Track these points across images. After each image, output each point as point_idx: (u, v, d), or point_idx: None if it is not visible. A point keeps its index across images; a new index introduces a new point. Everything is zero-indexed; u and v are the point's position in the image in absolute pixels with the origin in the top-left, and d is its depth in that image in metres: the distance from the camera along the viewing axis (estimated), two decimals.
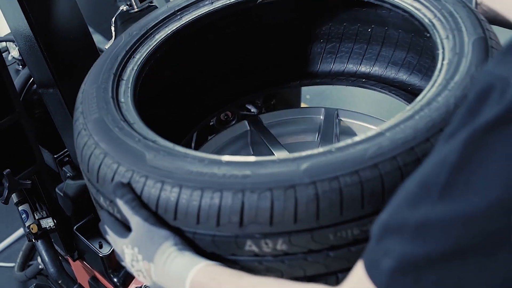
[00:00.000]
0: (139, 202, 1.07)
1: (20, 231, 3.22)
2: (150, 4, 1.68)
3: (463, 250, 0.74)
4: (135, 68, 1.34)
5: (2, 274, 3.15)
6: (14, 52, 2.01)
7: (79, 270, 2.12)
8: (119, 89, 1.28)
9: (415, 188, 0.78)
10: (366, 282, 0.83)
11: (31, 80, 1.98)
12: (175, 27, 1.44)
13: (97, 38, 3.95)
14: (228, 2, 1.49)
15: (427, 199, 0.76)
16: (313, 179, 0.97)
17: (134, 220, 1.07)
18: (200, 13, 1.47)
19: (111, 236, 1.13)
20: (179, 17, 1.46)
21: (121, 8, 1.66)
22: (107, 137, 1.14)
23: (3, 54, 1.96)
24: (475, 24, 1.20)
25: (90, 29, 1.72)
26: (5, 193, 1.67)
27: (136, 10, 1.65)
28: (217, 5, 1.49)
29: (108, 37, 4.08)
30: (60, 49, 1.65)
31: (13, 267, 2.72)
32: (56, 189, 1.87)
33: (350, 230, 1.00)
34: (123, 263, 1.14)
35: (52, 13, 1.61)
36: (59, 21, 1.63)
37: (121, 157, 1.10)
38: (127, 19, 1.68)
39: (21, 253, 2.65)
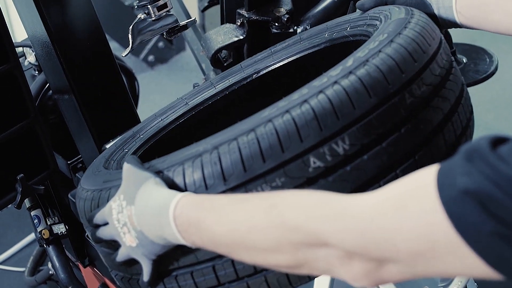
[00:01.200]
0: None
1: (31, 236, 3.23)
2: (167, 13, 1.68)
3: None
4: None
5: (13, 279, 3.16)
6: (31, 58, 2.01)
7: (89, 276, 2.12)
8: None
9: None
10: (430, 189, 0.82)
11: (46, 85, 1.99)
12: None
13: (113, 45, 3.96)
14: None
15: None
16: None
17: (124, 167, 1.09)
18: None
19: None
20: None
21: (138, 16, 1.67)
22: None
23: (19, 59, 1.97)
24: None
25: (107, 36, 1.73)
26: (18, 198, 1.67)
27: (154, 18, 1.65)
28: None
29: (124, 44, 4.11)
30: (77, 56, 1.65)
31: (23, 272, 2.72)
32: (69, 195, 1.88)
33: None
34: (106, 233, 1.13)
35: (69, 19, 1.62)
36: (76, 27, 1.63)
37: None
38: (144, 27, 1.68)
39: (31, 258, 2.66)
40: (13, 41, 1.61)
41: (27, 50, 2.01)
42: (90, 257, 2.01)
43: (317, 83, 1.07)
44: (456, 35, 1.80)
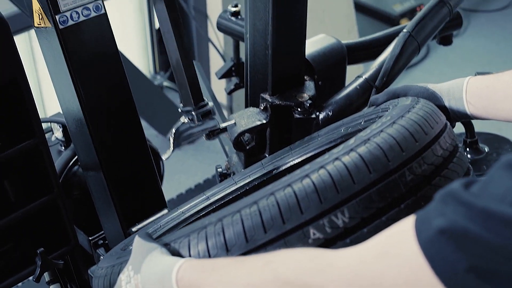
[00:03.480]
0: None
1: None
2: (213, 129, 1.69)
3: None
4: None
5: None
6: (58, 133, 2.05)
7: None
8: None
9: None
10: (409, 235, 0.84)
11: (72, 161, 2.02)
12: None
13: (149, 132, 4.02)
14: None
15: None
16: None
17: (134, 240, 1.15)
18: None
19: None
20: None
21: (182, 120, 1.68)
22: None
23: (46, 134, 2.01)
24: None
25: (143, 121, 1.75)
26: (37, 271, 1.69)
27: (195, 126, 1.68)
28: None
29: (152, 123, 4.16)
30: (109, 135, 1.68)
31: None
32: (89, 271, 1.88)
33: None
34: None
35: (105, 98, 1.66)
36: (111, 107, 1.67)
37: None
38: (185, 130, 1.70)
39: None
40: (42, 117, 1.65)
41: (54, 126, 2.05)
42: None
43: (319, 159, 1.12)
44: (483, 125, 1.82)
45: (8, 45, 1.54)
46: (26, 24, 3.32)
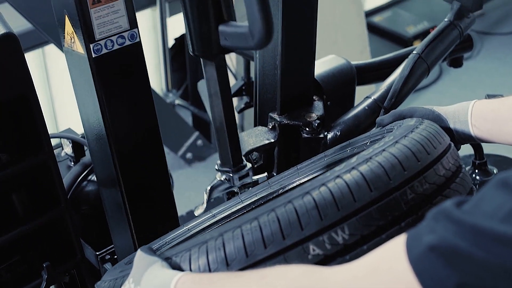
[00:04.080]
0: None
1: None
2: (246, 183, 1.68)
3: (506, 268, 0.77)
4: None
5: None
6: (67, 149, 2.07)
7: None
8: None
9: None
10: (400, 251, 0.85)
11: (81, 176, 2.03)
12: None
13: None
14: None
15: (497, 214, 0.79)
16: None
17: (136, 254, 1.16)
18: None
19: None
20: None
21: (218, 178, 1.66)
22: None
23: (56, 150, 2.03)
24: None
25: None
26: (43, 285, 1.70)
27: (232, 187, 1.65)
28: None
29: (168, 145, 4.17)
30: (130, 154, 1.65)
31: None
32: (95, 286, 1.89)
33: None
34: None
35: (131, 125, 1.63)
36: (136, 133, 1.65)
37: None
38: (220, 186, 1.68)
39: None
40: (52, 132, 1.66)
41: (64, 141, 2.07)
42: None
43: (321, 177, 1.13)
44: (492, 147, 1.82)
45: (18, 61, 1.54)
46: (40, 40, 3.37)
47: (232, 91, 2.46)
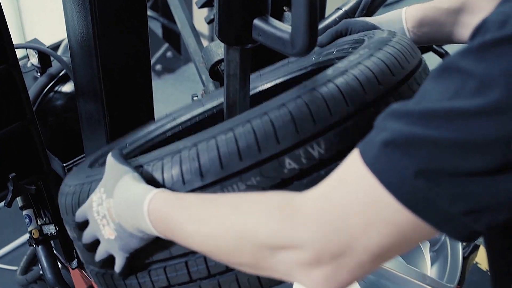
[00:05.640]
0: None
1: (26, 236, 3.25)
2: None
3: (462, 142, 0.76)
4: None
5: (5, 277, 3.18)
6: (34, 60, 2.03)
7: (77, 279, 2.14)
8: None
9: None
10: (357, 162, 0.84)
11: (47, 87, 2.00)
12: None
13: None
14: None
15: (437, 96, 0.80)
16: None
17: (107, 160, 1.14)
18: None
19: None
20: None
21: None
22: None
23: (22, 61, 1.99)
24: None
25: None
26: (9, 196, 1.69)
27: None
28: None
29: None
30: (115, 58, 1.65)
31: (16, 270, 2.74)
32: (60, 190, 1.89)
33: None
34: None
35: (118, 32, 1.62)
36: (124, 44, 1.65)
37: None
38: None
39: (25, 257, 2.67)
40: (19, 43, 1.62)
41: (30, 52, 2.03)
42: (79, 260, 2.02)
43: (296, 89, 1.10)
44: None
45: None
46: None
47: (202, 2, 2.41)
